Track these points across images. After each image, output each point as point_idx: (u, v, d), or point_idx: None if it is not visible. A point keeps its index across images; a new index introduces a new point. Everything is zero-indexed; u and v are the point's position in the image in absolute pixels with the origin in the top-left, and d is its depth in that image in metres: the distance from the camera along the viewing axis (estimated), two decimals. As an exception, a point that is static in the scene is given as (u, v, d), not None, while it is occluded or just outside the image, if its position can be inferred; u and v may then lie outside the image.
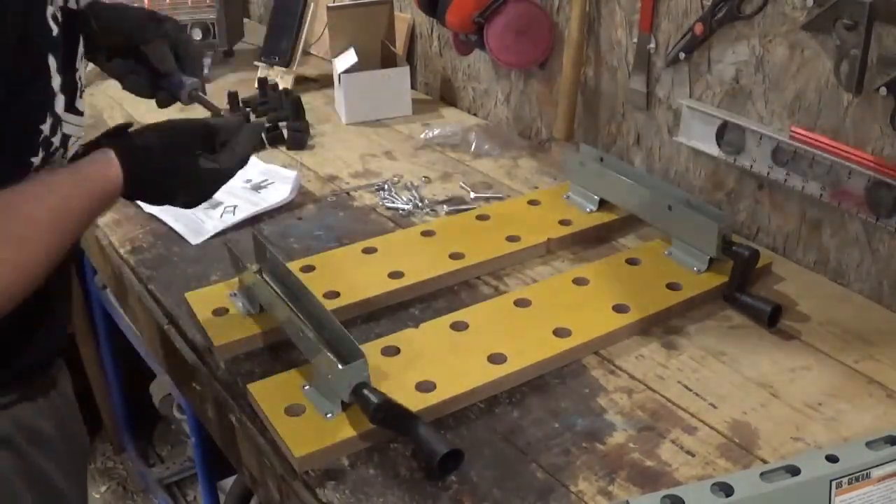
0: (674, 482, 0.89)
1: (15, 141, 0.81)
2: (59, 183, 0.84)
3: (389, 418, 0.92)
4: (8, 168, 0.80)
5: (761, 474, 0.82)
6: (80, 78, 0.89)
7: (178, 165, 0.93)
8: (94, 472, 2.37)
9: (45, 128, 0.83)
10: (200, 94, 1.05)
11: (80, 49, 0.90)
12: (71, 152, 0.89)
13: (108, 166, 0.86)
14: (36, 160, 0.83)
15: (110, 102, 1.94)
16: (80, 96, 0.90)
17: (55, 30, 0.81)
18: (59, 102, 0.84)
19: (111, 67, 1.04)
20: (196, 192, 0.97)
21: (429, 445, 0.89)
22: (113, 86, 1.20)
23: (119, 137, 0.91)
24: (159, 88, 1.04)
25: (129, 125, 0.94)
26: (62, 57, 0.83)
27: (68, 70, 0.86)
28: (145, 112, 1.95)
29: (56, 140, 0.85)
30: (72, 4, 0.88)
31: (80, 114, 0.90)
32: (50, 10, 0.81)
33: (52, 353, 1.01)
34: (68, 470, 1.00)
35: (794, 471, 0.82)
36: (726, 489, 0.80)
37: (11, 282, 0.77)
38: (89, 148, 0.90)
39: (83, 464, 1.08)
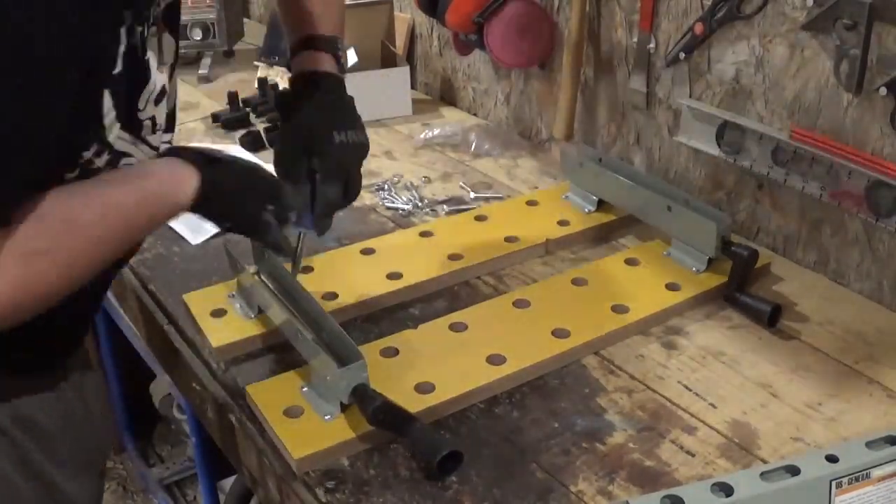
0: (674, 482, 0.89)
1: (53, 156, 0.79)
2: (126, 206, 0.85)
3: (388, 420, 0.92)
4: (40, 174, 0.78)
5: (761, 474, 0.82)
6: (153, 118, 0.89)
7: (243, 210, 0.96)
8: (95, 472, 2.37)
9: (89, 154, 0.83)
10: (296, 245, 1.07)
11: (155, 89, 0.89)
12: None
13: (187, 187, 0.88)
14: (71, 175, 0.83)
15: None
16: (154, 132, 0.91)
17: (119, 67, 0.80)
18: (113, 132, 0.84)
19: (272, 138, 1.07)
20: (246, 231, 1.00)
21: (428, 446, 0.89)
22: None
23: (208, 165, 0.91)
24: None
25: (220, 152, 0.96)
26: (124, 92, 0.83)
27: (131, 106, 0.86)
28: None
29: (100, 162, 0.85)
30: (141, 52, 0.86)
31: (154, 147, 0.91)
32: (121, 48, 0.80)
33: (63, 346, 0.99)
34: (71, 467, 0.99)
35: (794, 471, 0.82)
36: (726, 489, 0.80)
37: (56, 292, 0.80)
38: (179, 152, 0.92)
39: (93, 464, 1.07)
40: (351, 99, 1.08)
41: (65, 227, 0.79)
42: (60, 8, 0.70)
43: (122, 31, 0.79)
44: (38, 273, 0.78)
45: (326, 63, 1.07)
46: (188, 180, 0.88)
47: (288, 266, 1.10)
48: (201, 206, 0.90)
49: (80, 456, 1.02)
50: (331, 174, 1.02)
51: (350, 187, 1.05)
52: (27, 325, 0.80)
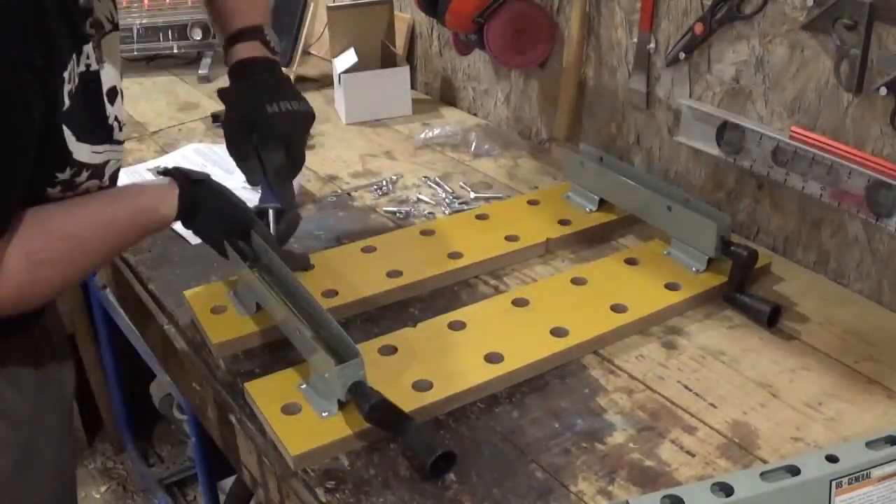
0: (674, 482, 0.89)
1: (31, 182, 0.89)
2: (120, 221, 0.98)
3: (384, 418, 0.92)
4: (21, 194, 0.88)
5: (761, 474, 0.81)
6: (116, 118, 0.99)
7: (214, 234, 1.10)
8: (94, 471, 2.37)
9: (65, 175, 0.92)
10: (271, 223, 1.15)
11: (116, 98, 0.99)
12: (108, 174, 0.99)
13: (170, 210, 1.02)
14: (53, 191, 0.92)
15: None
16: (121, 130, 1.00)
17: (67, 104, 0.89)
18: (82, 152, 0.92)
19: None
20: (212, 246, 1.12)
21: (421, 447, 0.89)
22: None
23: (192, 183, 1.05)
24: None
25: (207, 176, 1.08)
26: (85, 118, 0.92)
27: (96, 123, 0.95)
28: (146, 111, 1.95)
29: (81, 179, 0.94)
30: (93, 67, 0.94)
31: (119, 143, 1.00)
32: (68, 87, 0.88)
33: None
34: (36, 399, 1.03)
35: (794, 471, 0.81)
36: (726, 489, 0.80)
37: (55, 293, 0.97)
38: (166, 175, 1.06)
39: (59, 403, 1.10)
40: (286, 77, 1.19)
41: (67, 241, 0.92)
42: (27, 57, 0.81)
43: (66, 74, 0.88)
44: (42, 279, 0.90)
45: (255, 50, 1.16)
46: (172, 197, 1.02)
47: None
48: (183, 219, 1.05)
49: (46, 393, 1.05)
50: (271, 143, 1.12)
51: (293, 153, 1.14)
52: None
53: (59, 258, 0.91)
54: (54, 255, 0.90)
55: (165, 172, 1.06)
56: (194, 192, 1.04)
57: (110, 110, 0.97)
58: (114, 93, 0.98)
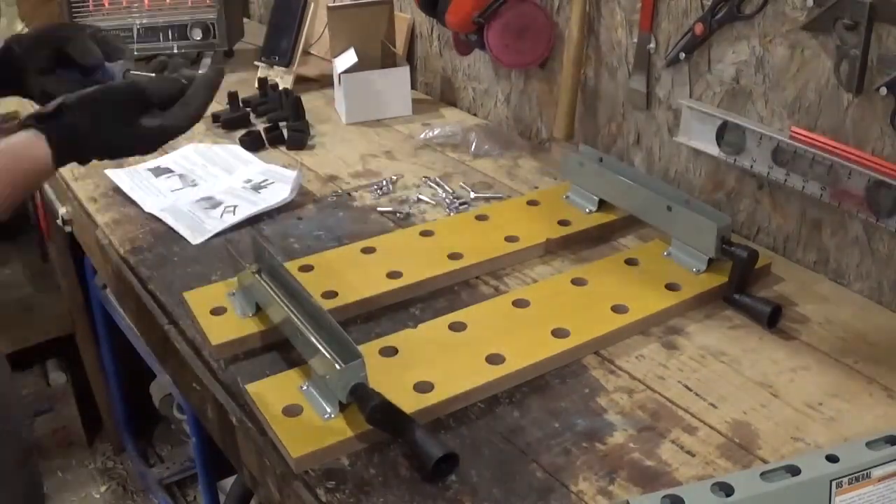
0: (674, 482, 0.89)
1: None
2: None
3: (385, 420, 0.92)
4: None
5: (761, 474, 0.82)
6: None
7: (111, 134, 0.96)
8: (94, 472, 2.38)
9: None
10: (134, 72, 1.06)
11: None
12: None
13: (37, 148, 0.91)
14: None
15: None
16: None
17: None
18: None
19: (45, 83, 1.06)
20: (142, 149, 1.01)
21: (423, 449, 0.89)
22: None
23: (49, 119, 0.93)
24: (95, 83, 1.04)
25: (61, 105, 0.95)
26: None
27: None
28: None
29: None
30: None
31: None
32: None
33: None
34: None
35: (794, 471, 0.82)
36: (726, 489, 0.80)
37: None
38: (20, 129, 0.93)
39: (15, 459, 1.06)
40: None
41: None
42: None
43: None
44: None
45: None
46: (36, 144, 0.91)
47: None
48: (66, 155, 0.93)
49: None
50: (87, 27, 1.08)
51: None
52: None
53: None
54: None
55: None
56: (52, 124, 0.93)
57: None
58: None
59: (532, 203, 1.42)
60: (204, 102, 1.00)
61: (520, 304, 1.15)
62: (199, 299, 1.17)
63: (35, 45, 1.06)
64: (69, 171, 1.61)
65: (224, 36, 2.19)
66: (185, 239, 1.38)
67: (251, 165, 1.63)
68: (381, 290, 1.19)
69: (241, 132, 1.76)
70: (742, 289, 1.16)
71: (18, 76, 1.07)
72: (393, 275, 1.22)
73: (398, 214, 1.45)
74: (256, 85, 1.96)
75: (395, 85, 1.88)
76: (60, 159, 0.93)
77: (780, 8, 1.19)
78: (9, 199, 0.91)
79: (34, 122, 0.93)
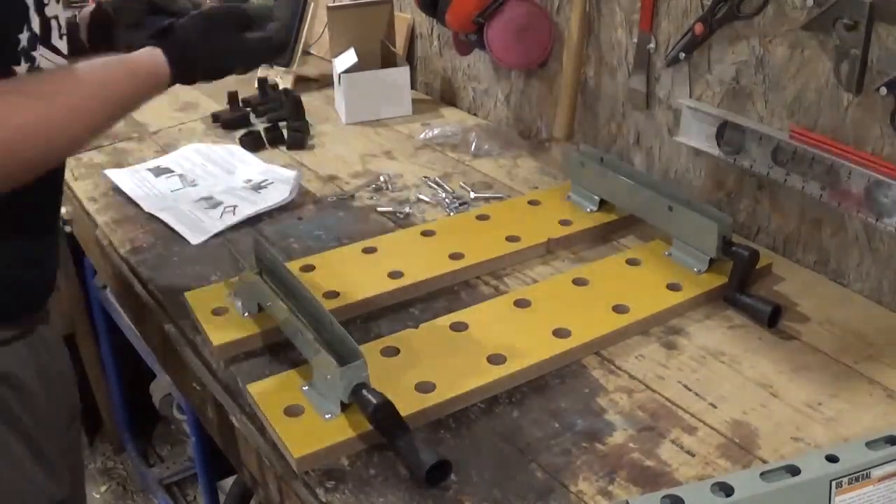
0: (674, 482, 0.89)
1: None
2: (110, 66, 0.95)
3: (386, 422, 0.92)
4: None
5: (761, 474, 0.82)
6: (56, 17, 0.93)
7: (221, 46, 1.06)
8: (94, 472, 2.37)
9: (23, 38, 0.87)
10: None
11: None
12: None
13: (155, 60, 0.98)
14: (20, 69, 0.87)
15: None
16: (61, 37, 0.94)
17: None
18: (35, 22, 0.88)
19: (134, 38, 1.11)
20: (250, 60, 1.12)
21: (414, 459, 0.88)
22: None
23: (162, 35, 1.02)
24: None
25: (172, 23, 1.05)
26: None
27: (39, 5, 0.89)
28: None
29: (37, 57, 0.89)
30: None
31: (62, 54, 0.94)
32: None
33: (29, 302, 1.00)
34: (48, 426, 0.99)
35: (794, 471, 0.82)
36: (726, 489, 0.80)
37: (52, 138, 0.86)
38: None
39: (66, 423, 1.07)
40: None
41: (45, 101, 0.86)
42: None
43: None
44: (20, 141, 0.83)
45: None
46: (155, 56, 0.98)
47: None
48: (180, 67, 1.00)
49: (55, 413, 1.02)
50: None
51: None
52: None
53: (40, 119, 0.84)
54: (34, 115, 0.84)
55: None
56: (167, 39, 1.00)
57: (49, 10, 0.92)
58: None
59: (533, 203, 1.42)
60: (290, 14, 1.10)
61: (521, 304, 1.15)
62: (201, 300, 1.17)
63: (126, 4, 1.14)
64: (69, 171, 1.61)
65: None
66: (185, 239, 1.38)
67: (251, 165, 1.63)
68: (382, 290, 1.19)
69: (242, 132, 1.76)
70: (743, 289, 1.16)
71: (108, 32, 1.15)
72: (394, 275, 1.22)
73: (398, 214, 1.45)
74: (256, 85, 1.96)
75: (394, 85, 1.88)
76: (177, 72, 0.99)
77: (780, 8, 1.19)
78: (127, 107, 0.98)
79: (149, 39, 1.01)
